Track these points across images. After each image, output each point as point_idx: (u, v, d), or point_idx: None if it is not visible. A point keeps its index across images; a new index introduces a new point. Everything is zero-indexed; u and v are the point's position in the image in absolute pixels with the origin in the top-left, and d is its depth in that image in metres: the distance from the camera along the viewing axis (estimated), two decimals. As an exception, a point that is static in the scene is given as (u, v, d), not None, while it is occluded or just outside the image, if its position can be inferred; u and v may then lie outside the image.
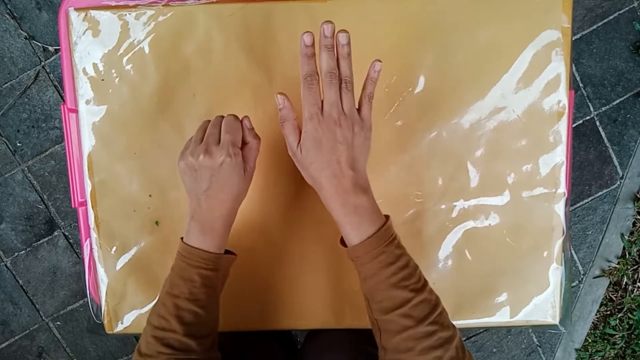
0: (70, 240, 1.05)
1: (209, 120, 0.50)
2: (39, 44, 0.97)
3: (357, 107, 0.47)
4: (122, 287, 0.61)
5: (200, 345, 0.46)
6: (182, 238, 0.50)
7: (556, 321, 0.61)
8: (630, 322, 1.13)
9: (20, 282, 1.07)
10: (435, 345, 0.41)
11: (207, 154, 0.46)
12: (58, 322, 1.09)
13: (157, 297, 0.49)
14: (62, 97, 0.99)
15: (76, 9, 0.56)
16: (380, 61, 0.47)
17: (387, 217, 0.47)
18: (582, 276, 1.10)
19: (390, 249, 0.44)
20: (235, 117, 0.49)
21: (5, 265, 1.06)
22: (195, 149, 0.47)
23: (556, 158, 0.58)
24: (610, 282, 1.11)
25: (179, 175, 0.49)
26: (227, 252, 0.52)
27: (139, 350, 0.46)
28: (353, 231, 0.45)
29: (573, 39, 0.80)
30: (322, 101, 0.45)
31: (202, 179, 0.46)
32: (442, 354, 0.41)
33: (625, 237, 1.09)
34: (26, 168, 1.01)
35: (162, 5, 0.56)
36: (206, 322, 0.48)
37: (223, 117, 0.49)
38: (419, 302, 0.43)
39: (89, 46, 0.57)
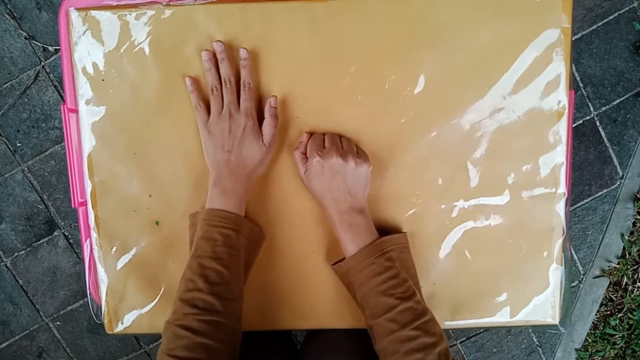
0: (70, 240, 1.05)
1: (218, 81, 0.55)
2: (39, 44, 0.97)
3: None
4: (122, 287, 0.61)
5: (225, 308, 0.48)
6: (191, 213, 0.56)
7: (556, 321, 0.61)
8: (630, 322, 1.13)
9: (20, 282, 1.06)
10: (417, 348, 0.45)
11: (231, 119, 0.53)
12: (58, 322, 1.09)
13: (183, 271, 0.51)
14: (62, 97, 0.99)
15: (76, 9, 0.56)
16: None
17: (403, 234, 0.56)
18: (582, 276, 1.10)
19: (380, 261, 0.50)
20: (249, 86, 0.55)
21: (5, 265, 1.06)
22: (220, 117, 0.54)
23: (556, 158, 0.58)
24: (610, 282, 1.11)
25: (203, 142, 0.55)
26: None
27: (168, 319, 0.48)
28: (349, 244, 0.52)
29: (573, 39, 0.80)
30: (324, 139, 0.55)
31: (225, 142, 0.53)
32: (423, 356, 0.45)
33: (625, 237, 1.08)
34: (26, 168, 1.01)
35: (162, 6, 0.56)
36: (230, 284, 0.49)
37: (234, 77, 0.55)
38: (405, 309, 0.48)
39: (89, 46, 0.57)
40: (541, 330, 0.82)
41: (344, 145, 0.55)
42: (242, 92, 0.55)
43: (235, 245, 0.51)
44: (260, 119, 0.56)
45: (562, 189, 0.58)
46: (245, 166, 0.54)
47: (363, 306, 0.52)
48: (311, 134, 0.57)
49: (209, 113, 0.55)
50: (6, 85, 0.98)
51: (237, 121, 0.54)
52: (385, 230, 0.59)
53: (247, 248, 0.54)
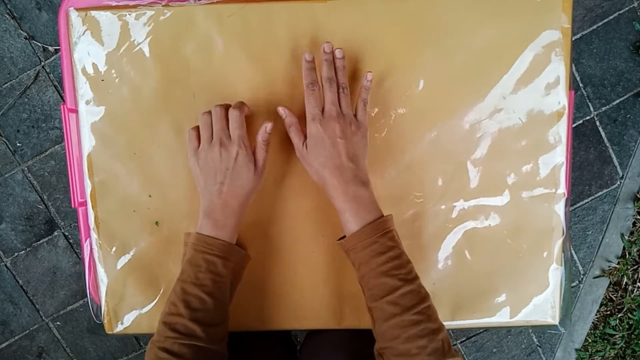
0: (70, 240, 1.05)
1: (209, 115, 0.52)
2: (39, 44, 0.97)
3: (354, 112, 0.53)
4: (122, 287, 0.61)
5: (206, 334, 0.47)
6: (186, 233, 0.53)
7: (556, 321, 0.61)
8: (630, 322, 1.13)
9: (20, 282, 1.07)
10: (421, 334, 0.43)
11: (222, 148, 0.50)
12: (58, 322, 1.09)
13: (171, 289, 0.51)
14: (62, 97, 0.99)
15: (76, 9, 0.56)
16: (371, 72, 0.54)
17: (388, 215, 0.51)
18: (582, 276, 1.10)
19: (383, 240, 0.48)
20: (240, 111, 0.52)
21: (5, 265, 1.06)
22: (210, 146, 0.51)
23: (556, 158, 0.58)
24: (610, 282, 1.11)
25: (193, 174, 0.53)
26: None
27: (152, 339, 0.48)
28: (351, 217, 0.49)
29: (573, 39, 0.80)
30: (323, 105, 0.52)
31: (217, 172, 0.51)
32: (427, 343, 0.43)
33: (625, 237, 1.09)
34: (26, 168, 1.01)
35: (162, 6, 0.56)
36: (212, 311, 0.49)
37: (223, 108, 0.52)
38: (407, 291, 0.45)
39: (89, 46, 0.57)
40: (541, 330, 0.82)
41: (342, 107, 0.51)
42: (230, 118, 0.52)
43: (220, 272, 0.50)
44: (252, 139, 0.53)
45: (562, 189, 0.59)
46: (237, 196, 0.51)
47: (363, 287, 0.50)
48: (288, 109, 0.54)
49: (199, 140, 0.53)
50: (6, 85, 0.98)
51: (228, 150, 0.50)
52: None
53: (234, 272, 0.53)
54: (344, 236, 0.52)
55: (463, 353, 1.12)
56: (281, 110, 0.54)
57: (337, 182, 0.50)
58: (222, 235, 0.50)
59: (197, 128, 0.53)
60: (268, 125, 0.53)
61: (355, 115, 0.52)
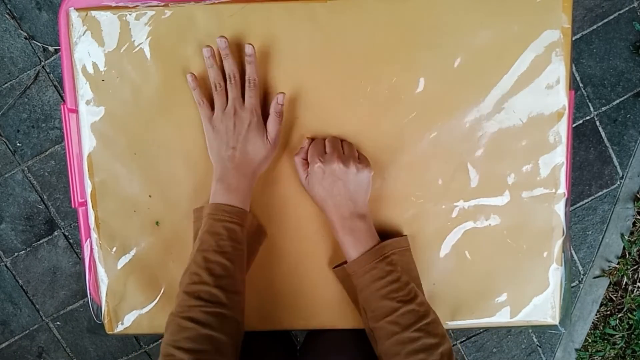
0: (70, 240, 1.05)
1: (221, 78, 0.54)
2: (39, 44, 0.97)
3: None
4: (122, 287, 0.61)
5: (230, 301, 0.48)
6: (195, 208, 0.56)
7: (556, 321, 0.61)
8: (630, 322, 1.13)
9: (20, 282, 1.07)
10: (419, 349, 0.45)
11: (236, 115, 0.53)
12: (58, 322, 1.09)
13: (187, 265, 0.51)
14: (62, 97, 0.99)
15: (76, 9, 0.56)
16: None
17: (404, 237, 0.56)
18: (582, 276, 1.10)
19: (381, 265, 0.51)
20: (255, 83, 0.54)
21: (5, 265, 1.06)
22: (224, 114, 0.54)
23: (556, 158, 0.58)
24: (610, 282, 1.11)
25: (207, 139, 0.55)
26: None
27: (172, 311, 0.48)
28: (350, 248, 0.52)
29: (573, 39, 0.80)
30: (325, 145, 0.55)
31: (230, 139, 0.53)
32: (426, 357, 0.45)
33: (625, 237, 1.09)
34: (26, 168, 1.01)
35: (162, 6, 0.56)
36: (234, 277, 0.50)
37: (238, 72, 0.54)
38: (406, 311, 0.48)
39: (89, 46, 0.57)
40: (541, 330, 0.82)
41: (345, 151, 0.54)
42: (247, 88, 0.54)
43: (240, 239, 0.51)
44: (265, 115, 0.56)
45: (562, 189, 0.59)
46: (249, 162, 0.53)
47: (365, 309, 0.52)
48: (312, 139, 0.57)
49: (212, 109, 0.55)
50: (6, 85, 0.98)
51: (241, 117, 0.53)
52: (385, 230, 0.59)
53: (250, 242, 0.54)
54: (339, 264, 0.57)
55: (463, 353, 1.12)
56: (306, 141, 0.57)
57: (334, 218, 0.53)
58: (235, 199, 0.51)
59: (206, 93, 0.55)
60: (280, 97, 0.54)
61: (359, 152, 0.56)
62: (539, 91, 0.57)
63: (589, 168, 1.04)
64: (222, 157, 0.53)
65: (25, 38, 0.96)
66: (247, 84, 0.54)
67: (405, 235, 0.58)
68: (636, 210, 1.08)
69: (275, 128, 0.55)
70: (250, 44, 0.53)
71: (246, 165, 0.53)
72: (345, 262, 0.54)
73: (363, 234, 0.52)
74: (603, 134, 1.03)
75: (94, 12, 0.56)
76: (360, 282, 0.51)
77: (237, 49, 0.56)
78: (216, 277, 0.48)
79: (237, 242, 0.51)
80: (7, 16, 0.96)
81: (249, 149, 0.53)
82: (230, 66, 0.54)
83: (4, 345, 1.10)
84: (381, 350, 0.49)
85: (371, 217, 0.55)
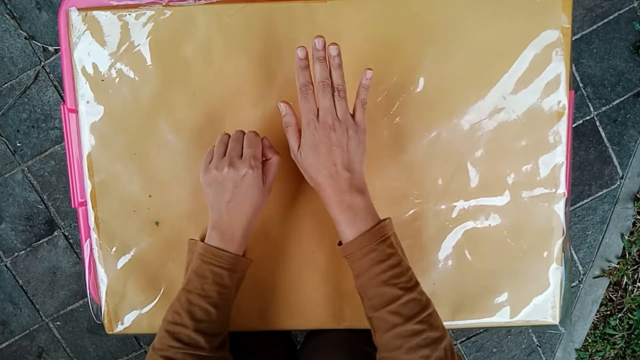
0: (70, 240, 1.05)
1: (228, 135, 0.53)
2: (39, 44, 0.97)
3: (351, 112, 0.50)
4: (122, 287, 0.61)
5: (209, 344, 0.47)
6: (191, 239, 0.53)
7: (556, 321, 0.61)
8: (630, 322, 1.13)
9: (20, 282, 1.07)
10: (423, 344, 0.42)
11: (231, 167, 0.49)
12: (58, 322, 1.09)
13: (174, 298, 0.50)
14: (62, 97, 0.99)
15: (76, 9, 0.56)
16: (371, 69, 0.50)
17: (386, 219, 0.49)
18: (582, 276, 1.10)
19: (382, 247, 0.47)
20: (256, 133, 0.52)
21: (5, 265, 1.06)
22: (220, 163, 0.50)
23: (556, 158, 0.58)
24: (610, 282, 1.11)
25: (203, 188, 0.52)
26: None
27: (153, 345, 0.48)
28: (348, 228, 0.48)
29: (573, 39, 0.80)
30: (318, 109, 0.49)
31: (225, 190, 0.50)
32: (430, 353, 0.42)
33: (625, 237, 1.08)
34: (26, 168, 1.01)
35: (162, 6, 0.56)
36: (216, 322, 0.49)
37: (243, 132, 0.53)
38: (408, 300, 0.44)
39: (89, 46, 0.57)
40: (541, 330, 0.82)
41: (338, 112, 0.49)
42: (245, 141, 0.51)
43: (226, 284, 0.50)
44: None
45: (562, 189, 0.59)
46: (245, 213, 0.51)
47: (362, 296, 0.49)
48: (288, 104, 0.52)
49: (209, 162, 0.52)
50: (6, 85, 0.98)
51: (238, 169, 0.49)
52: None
53: (239, 281, 0.53)
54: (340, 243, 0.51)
55: (463, 353, 1.12)
56: (282, 106, 0.52)
57: (331, 191, 0.48)
58: (229, 247, 0.50)
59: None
60: (266, 141, 0.53)
61: (353, 117, 0.50)
62: (538, 91, 0.57)
63: (589, 168, 1.04)
64: (218, 207, 0.51)
65: (25, 38, 0.96)
66: (246, 136, 0.51)
67: (389, 217, 0.52)
68: (636, 210, 1.07)
69: (273, 171, 0.52)
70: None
71: (242, 215, 0.50)
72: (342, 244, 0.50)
73: (362, 211, 0.48)
74: (603, 134, 1.03)
75: (93, 12, 0.56)
76: (357, 266, 0.48)
77: (241, 49, 0.56)
78: (197, 321, 0.47)
79: (223, 286, 0.49)
80: (7, 16, 0.96)
81: (245, 200, 0.50)
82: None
83: (4, 345, 1.10)
84: (379, 342, 0.46)
85: (369, 193, 0.50)
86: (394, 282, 0.45)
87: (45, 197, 1.03)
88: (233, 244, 0.50)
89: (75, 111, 0.59)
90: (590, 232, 1.08)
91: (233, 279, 0.50)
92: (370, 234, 0.47)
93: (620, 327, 1.13)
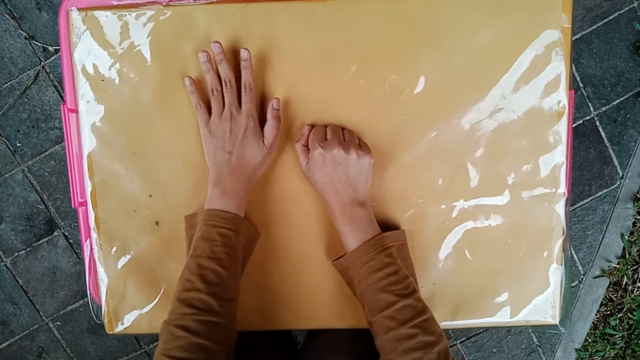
0: (70, 240, 1.05)
1: (217, 77, 0.55)
2: (39, 44, 0.97)
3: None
4: (122, 287, 0.61)
5: (222, 308, 0.48)
6: (187, 215, 0.56)
7: (556, 321, 0.61)
8: (630, 322, 1.13)
9: (20, 282, 1.06)
10: (416, 347, 0.45)
11: (232, 120, 0.53)
12: (58, 322, 1.09)
13: (181, 272, 0.50)
14: (62, 97, 0.99)
15: (76, 9, 0.56)
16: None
17: (393, 232, 0.54)
18: (582, 276, 1.10)
19: (380, 257, 0.50)
20: (251, 86, 0.55)
21: (5, 265, 1.06)
22: (221, 118, 0.54)
23: (556, 158, 0.58)
24: (610, 282, 1.11)
25: (204, 145, 0.55)
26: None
27: (165, 320, 0.48)
28: (349, 237, 0.52)
29: (573, 39, 0.80)
30: (326, 129, 0.55)
31: (226, 144, 0.53)
32: (422, 356, 0.44)
33: (625, 237, 1.08)
34: (26, 168, 1.01)
35: (162, 6, 0.56)
36: (228, 285, 0.49)
37: (233, 77, 0.54)
38: (403, 306, 0.47)
39: (89, 46, 0.57)
40: (541, 330, 0.82)
41: (346, 137, 0.54)
42: (243, 93, 0.54)
43: (234, 245, 0.51)
44: (262, 120, 0.56)
45: (562, 189, 0.58)
46: (245, 167, 0.53)
47: (362, 303, 0.52)
48: (312, 126, 0.57)
49: (210, 113, 0.55)
50: (6, 85, 0.98)
51: (238, 122, 0.53)
52: (385, 229, 0.59)
53: (244, 247, 0.54)
54: (339, 257, 0.55)
55: (463, 353, 1.12)
56: (306, 128, 0.56)
57: (334, 205, 0.53)
58: (230, 204, 0.51)
59: (203, 97, 0.56)
60: (274, 102, 0.55)
61: (359, 138, 0.55)
62: (539, 91, 0.57)
63: (589, 168, 1.04)
64: (218, 162, 0.53)
65: (25, 38, 0.96)
66: (242, 89, 0.54)
67: (403, 229, 0.57)
68: (636, 210, 1.07)
69: (272, 133, 0.55)
70: (246, 49, 0.54)
71: (242, 170, 0.53)
72: (345, 255, 0.54)
73: (363, 222, 0.52)
74: (603, 134, 1.03)
75: (94, 12, 0.56)
76: (357, 274, 0.51)
77: (235, 52, 0.56)
78: (209, 284, 0.48)
79: (232, 248, 0.50)
80: (7, 16, 0.96)
81: (246, 153, 0.53)
82: (225, 71, 0.54)
83: (4, 345, 1.10)
84: (379, 345, 0.49)
85: (371, 207, 0.55)
86: (390, 289, 0.48)
87: (45, 197, 1.03)
88: (234, 199, 0.52)
89: (76, 111, 0.59)
90: (590, 232, 1.08)
91: (239, 241, 0.52)
92: (369, 244, 0.51)
93: (620, 327, 1.13)
